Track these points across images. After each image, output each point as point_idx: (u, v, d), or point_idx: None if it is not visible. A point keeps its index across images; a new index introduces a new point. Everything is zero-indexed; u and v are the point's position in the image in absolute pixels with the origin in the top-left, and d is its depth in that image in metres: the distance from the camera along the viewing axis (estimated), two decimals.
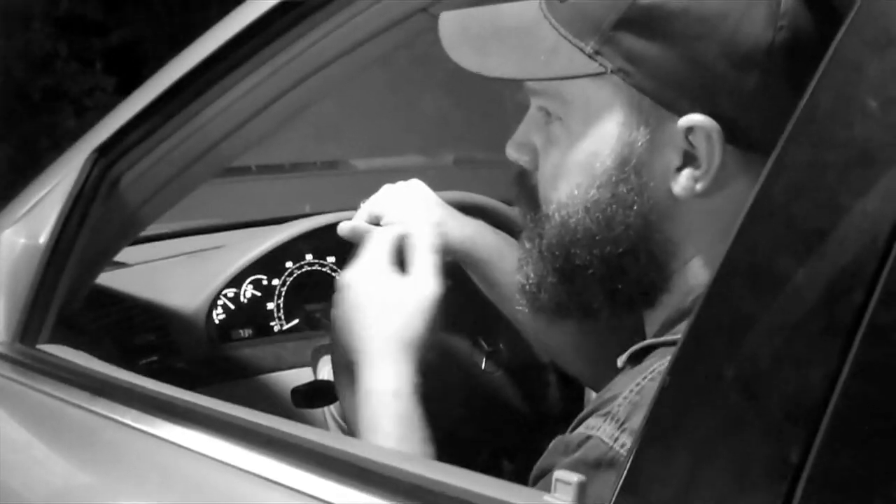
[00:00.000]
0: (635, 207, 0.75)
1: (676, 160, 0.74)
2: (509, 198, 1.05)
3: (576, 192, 0.76)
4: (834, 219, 0.51)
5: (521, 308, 0.85)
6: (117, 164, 1.15)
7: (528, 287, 0.83)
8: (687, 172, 0.74)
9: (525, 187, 0.82)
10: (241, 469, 0.82)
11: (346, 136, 2.53)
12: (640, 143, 0.74)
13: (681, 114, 0.73)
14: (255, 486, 0.80)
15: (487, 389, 1.28)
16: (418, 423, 0.89)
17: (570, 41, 0.74)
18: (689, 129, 0.72)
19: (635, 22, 0.72)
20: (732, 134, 0.72)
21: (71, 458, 1.04)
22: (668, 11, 0.72)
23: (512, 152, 0.83)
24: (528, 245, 0.82)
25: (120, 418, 0.96)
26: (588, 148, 0.76)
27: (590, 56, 0.73)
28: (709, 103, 0.72)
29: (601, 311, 0.81)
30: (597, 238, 0.76)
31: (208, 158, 1.16)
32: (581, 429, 0.72)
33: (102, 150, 1.15)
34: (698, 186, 0.74)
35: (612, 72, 0.73)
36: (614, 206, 0.75)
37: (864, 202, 0.50)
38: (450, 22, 0.81)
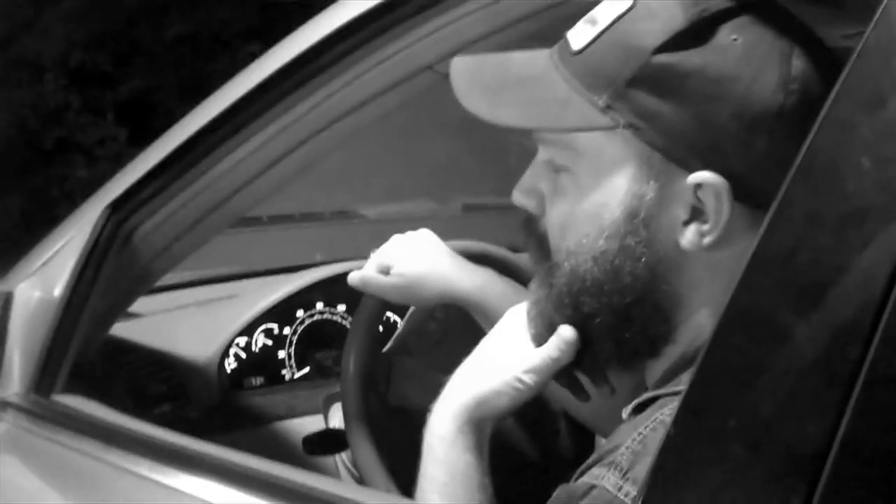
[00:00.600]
0: (643, 259, 0.76)
1: (684, 214, 0.75)
2: (517, 245, 1.06)
3: (584, 242, 0.77)
4: (831, 271, 0.53)
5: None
6: (130, 219, 1.17)
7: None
8: (694, 227, 0.75)
9: (534, 234, 0.83)
10: None
11: (355, 185, 2.55)
12: (648, 197, 0.75)
13: (691, 170, 0.73)
14: None
15: (498, 437, 1.28)
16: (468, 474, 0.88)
17: (582, 95, 0.75)
18: (699, 186, 0.73)
19: (649, 79, 0.73)
20: (741, 191, 0.73)
21: None
22: (682, 71, 0.73)
23: (519, 198, 0.83)
24: (539, 291, 0.83)
25: (133, 468, 0.97)
26: (597, 199, 0.77)
27: (602, 110, 0.74)
28: (718, 161, 0.73)
29: (608, 361, 0.82)
30: (605, 287, 0.77)
31: (220, 212, 1.17)
32: (585, 478, 0.72)
33: (115, 205, 1.17)
34: (706, 241, 0.74)
35: (623, 127, 0.74)
36: (622, 257, 0.76)
37: (859, 255, 0.52)
38: (461, 68, 0.82)
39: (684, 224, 0.75)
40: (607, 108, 0.74)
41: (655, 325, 0.78)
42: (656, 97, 0.73)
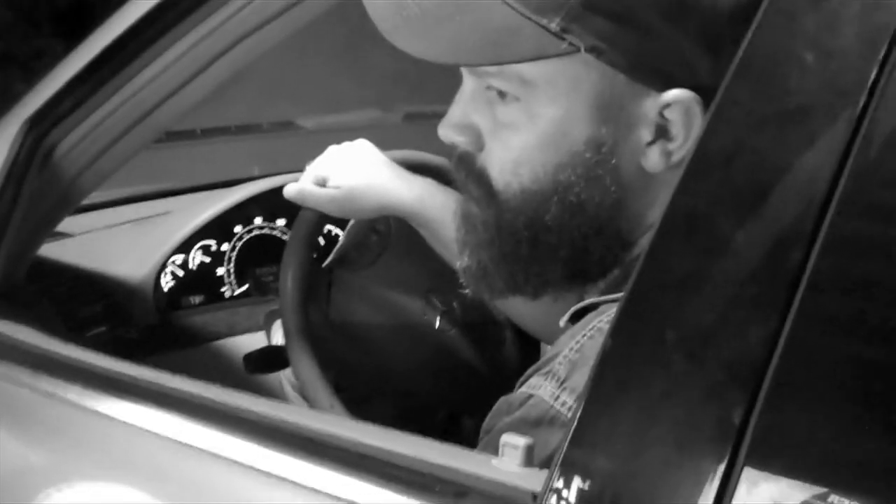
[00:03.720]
0: (611, 188, 0.72)
1: (648, 136, 0.72)
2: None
3: (541, 176, 0.73)
4: (771, 174, 0.51)
5: (465, 291, 0.83)
6: (51, 134, 1.12)
7: (475, 270, 0.80)
8: (658, 147, 0.72)
9: (471, 171, 0.77)
10: (189, 445, 0.81)
11: (295, 95, 2.49)
12: (613, 122, 0.71)
13: (658, 89, 0.70)
14: (204, 461, 0.80)
15: (442, 349, 1.27)
16: None
17: (530, 19, 0.69)
18: (666, 105, 0.70)
19: None
20: (709, 103, 0.69)
21: (14, 436, 1.02)
22: None
23: (449, 134, 0.77)
24: (480, 229, 0.78)
25: (64, 394, 0.94)
26: (555, 130, 0.72)
27: (556, 35, 0.69)
28: (687, 76, 0.69)
29: (557, 288, 0.79)
30: (567, 222, 0.73)
31: (145, 125, 1.13)
32: (523, 388, 0.72)
33: (34, 120, 1.12)
34: (673, 159, 0.72)
35: (585, 50, 0.68)
36: (589, 190, 0.72)
37: (800, 156, 0.50)
38: (380, 2, 0.74)
39: (648, 145, 0.72)
40: (563, 32, 0.68)
41: (612, 252, 0.76)
42: (617, 15, 0.68)
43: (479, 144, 0.76)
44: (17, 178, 1.11)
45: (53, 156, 1.14)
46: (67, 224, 1.40)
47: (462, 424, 1.30)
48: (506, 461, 0.62)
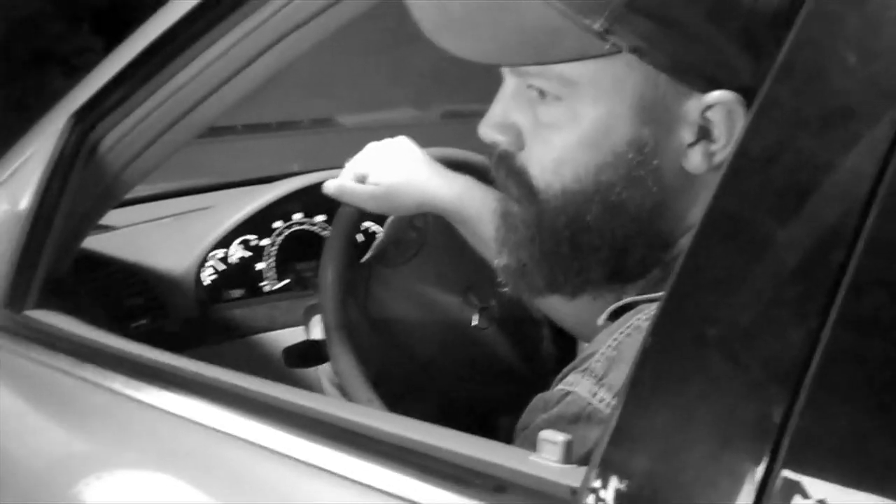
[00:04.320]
0: (653, 189, 0.72)
1: (690, 136, 0.71)
2: None
3: (583, 176, 0.73)
4: (813, 175, 0.51)
5: (504, 289, 0.83)
6: (96, 128, 1.14)
7: (515, 269, 0.80)
8: (700, 148, 0.72)
9: (511, 170, 0.77)
10: (230, 434, 0.82)
11: (334, 93, 2.50)
12: (655, 123, 0.71)
13: (700, 90, 0.70)
14: (244, 451, 0.80)
15: (480, 346, 1.28)
16: None
17: (573, 20, 0.69)
18: (708, 105, 0.70)
19: None
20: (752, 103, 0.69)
21: (59, 424, 1.04)
22: None
23: (490, 133, 0.77)
24: (520, 228, 0.78)
25: (108, 384, 0.96)
26: (598, 130, 0.72)
27: (599, 35, 0.68)
28: (730, 76, 0.69)
29: (596, 287, 0.79)
30: (609, 222, 0.73)
31: (189, 120, 1.14)
32: (561, 385, 0.72)
33: (80, 114, 1.14)
34: (715, 160, 0.71)
35: (628, 51, 0.69)
36: (630, 190, 0.72)
37: (843, 157, 0.50)
38: (422, 1, 0.74)
39: (689, 146, 0.72)
40: (606, 33, 0.68)
41: (653, 253, 0.76)
42: (661, 16, 0.68)
43: (520, 144, 0.76)
44: (63, 171, 1.13)
45: (98, 150, 1.15)
46: (111, 217, 1.43)
47: (498, 421, 1.30)
48: (544, 457, 0.62)
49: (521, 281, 0.80)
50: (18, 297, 1.14)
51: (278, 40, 1.07)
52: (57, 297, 1.18)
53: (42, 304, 1.15)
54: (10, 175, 1.17)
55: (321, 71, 2.24)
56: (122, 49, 1.11)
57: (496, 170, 0.79)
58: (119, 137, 1.14)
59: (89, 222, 1.25)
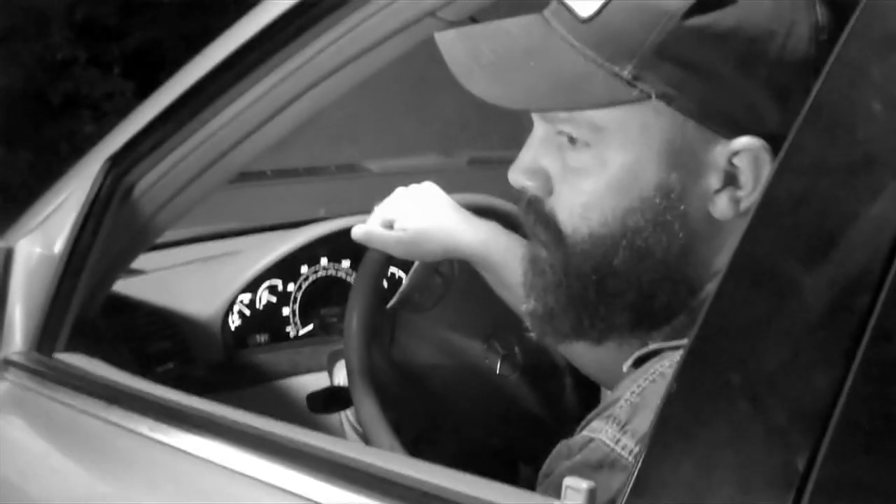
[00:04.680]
0: (679, 235, 0.73)
1: (717, 183, 0.72)
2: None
3: (610, 221, 0.73)
4: (839, 222, 0.51)
5: (530, 334, 0.83)
6: (130, 173, 1.16)
7: (542, 314, 0.80)
8: (727, 194, 0.72)
9: (540, 215, 0.78)
10: (254, 478, 0.82)
11: (361, 138, 2.52)
12: (682, 169, 0.71)
13: (727, 136, 0.70)
14: (269, 495, 0.81)
15: (503, 393, 1.28)
16: None
17: (602, 67, 0.70)
18: (735, 152, 0.71)
19: (680, 45, 0.69)
20: (777, 151, 0.70)
21: (88, 467, 1.04)
22: (716, 33, 0.69)
23: (519, 178, 0.78)
24: (548, 273, 0.78)
25: (135, 427, 0.96)
26: (625, 175, 0.72)
27: (628, 82, 0.70)
28: (756, 124, 0.70)
29: (622, 333, 0.79)
30: (635, 266, 0.74)
31: (221, 165, 1.16)
32: (585, 432, 0.72)
33: (115, 159, 1.16)
34: (742, 206, 0.72)
35: (656, 97, 0.69)
36: (656, 235, 0.73)
37: (868, 205, 0.50)
38: (454, 46, 0.76)
39: (716, 192, 0.72)
40: (635, 80, 0.69)
41: (679, 298, 0.76)
42: (689, 63, 0.69)
43: (549, 189, 0.77)
44: (97, 215, 1.15)
45: (132, 194, 1.17)
46: (140, 261, 1.44)
47: (520, 468, 1.30)
48: (569, 503, 0.62)
49: (548, 326, 0.80)
50: (48, 339, 1.15)
51: (310, 87, 1.09)
52: (85, 340, 1.19)
53: (71, 346, 1.16)
54: (45, 219, 1.19)
55: (348, 116, 2.27)
56: (157, 95, 1.14)
57: (525, 214, 0.80)
58: (153, 182, 1.16)
59: (120, 266, 1.27)
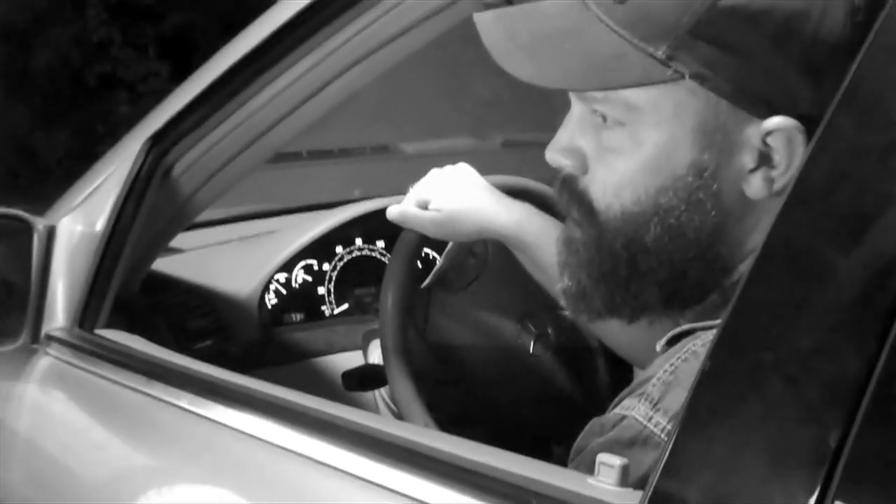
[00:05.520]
0: (712, 213, 0.73)
1: (751, 162, 0.72)
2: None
3: (643, 199, 0.74)
4: (873, 203, 0.51)
5: (563, 312, 0.84)
6: (170, 153, 1.18)
7: (575, 292, 0.81)
8: (761, 174, 0.72)
9: (574, 193, 0.79)
10: (291, 451, 0.84)
11: (395, 120, 2.53)
12: (716, 148, 0.72)
13: (761, 116, 0.71)
14: (305, 468, 0.82)
15: (536, 373, 1.28)
16: None
17: (637, 47, 0.71)
18: (769, 132, 0.71)
19: (715, 25, 0.69)
20: (812, 132, 0.70)
21: (127, 440, 1.06)
22: (751, 13, 0.69)
23: (556, 157, 0.79)
24: (581, 251, 0.79)
25: (175, 401, 0.98)
26: (659, 154, 0.73)
27: (662, 62, 0.70)
28: (790, 104, 0.70)
29: (654, 311, 0.79)
30: (666, 245, 0.74)
31: (259, 145, 1.17)
32: (617, 409, 0.73)
33: (156, 138, 1.17)
34: (776, 186, 0.72)
35: (690, 77, 0.70)
36: (689, 213, 0.73)
37: None
38: (492, 26, 0.77)
39: (750, 172, 0.73)
40: (669, 60, 0.70)
41: (711, 277, 0.76)
42: (723, 43, 0.69)
43: (584, 168, 0.78)
44: (137, 194, 1.16)
45: (172, 174, 1.19)
46: (178, 240, 1.46)
47: (551, 447, 1.31)
48: (601, 480, 0.63)
49: (581, 303, 0.81)
50: (90, 316, 1.18)
51: (346, 69, 1.10)
52: (125, 317, 1.21)
53: (112, 323, 1.19)
54: (87, 197, 1.21)
55: (383, 99, 2.28)
56: (196, 76, 1.15)
57: (559, 192, 0.81)
58: (192, 162, 1.18)
59: (160, 244, 1.29)
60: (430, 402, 1.13)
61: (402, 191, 1.19)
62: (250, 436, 0.89)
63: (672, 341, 0.75)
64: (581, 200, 0.78)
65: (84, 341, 1.15)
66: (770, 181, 0.72)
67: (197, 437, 0.96)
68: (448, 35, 1.12)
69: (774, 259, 0.55)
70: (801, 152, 0.70)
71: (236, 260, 1.60)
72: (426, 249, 1.59)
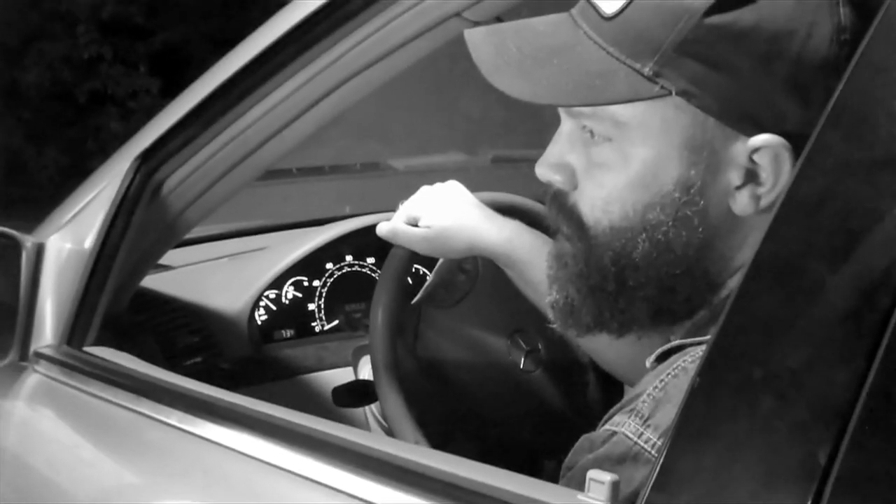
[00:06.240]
0: (699, 229, 0.74)
1: (737, 179, 0.73)
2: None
3: (631, 215, 0.74)
4: (861, 220, 0.52)
5: (552, 326, 0.84)
6: (160, 170, 1.18)
7: (563, 305, 0.81)
8: (747, 191, 0.73)
9: (563, 208, 0.79)
10: (282, 468, 0.83)
11: (385, 137, 2.54)
12: (703, 165, 0.72)
13: (747, 133, 0.71)
14: (296, 485, 0.82)
15: (526, 389, 1.28)
16: None
17: (624, 63, 0.72)
18: (755, 149, 0.71)
19: (701, 43, 0.70)
20: (798, 150, 0.69)
21: (116, 457, 1.06)
22: (737, 32, 0.69)
23: (546, 173, 0.79)
24: (570, 264, 0.80)
25: (164, 419, 0.98)
26: (646, 170, 0.73)
27: (649, 79, 0.71)
28: (776, 122, 0.71)
29: (642, 326, 0.80)
30: (654, 261, 0.75)
31: (248, 163, 1.17)
32: (606, 426, 0.73)
33: (145, 156, 1.17)
34: (762, 203, 0.73)
35: (676, 94, 0.71)
36: (676, 229, 0.74)
37: (890, 204, 0.51)
38: (481, 43, 0.78)
39: (737, 189, 0.73)
40: (656, 76, 0.71)
41: (699, 293, 0.77)
42: (710, 61, 0.70)
43: (573, 183, 0.78)
44: (126, 211, 1.16)
45: (161, 191, 1.19)
46: (168, 257, 1.46)
47: (542, 465, 1.31)
48: (592, 496, 0.63)
49: (569, 317, 0.81)
50: (78, 333, 1.17)
51: (337, 87, 1.10)
52: (114, 334, 1.21)
53: (101, 340, 1.18)
54: (76, 215, 1.21)
55: (373, 115, 2.28)
56: (186, 94, 1.15)
57: (549, 208, 0.81)
58: (181, 179, 1.18)
59: (149, 262, 1.28)
60: (420, 419, 1.13)
61: (392, 207, 1.19)
62: (240, 453, 0.88)
63: (662, 357, 0.75)
64: (570, 215, 0.79)
65: (73, 359, 1.15)
66: (757, 198, 0.73)
67: (186, 454, 0.95)
68: (438, 52, 1.13)
69: (763, 275, 0.55)
70: (787, 169, 0.71)
71: (226, 276, 1.60)
72: (416, 266, 1.59)
